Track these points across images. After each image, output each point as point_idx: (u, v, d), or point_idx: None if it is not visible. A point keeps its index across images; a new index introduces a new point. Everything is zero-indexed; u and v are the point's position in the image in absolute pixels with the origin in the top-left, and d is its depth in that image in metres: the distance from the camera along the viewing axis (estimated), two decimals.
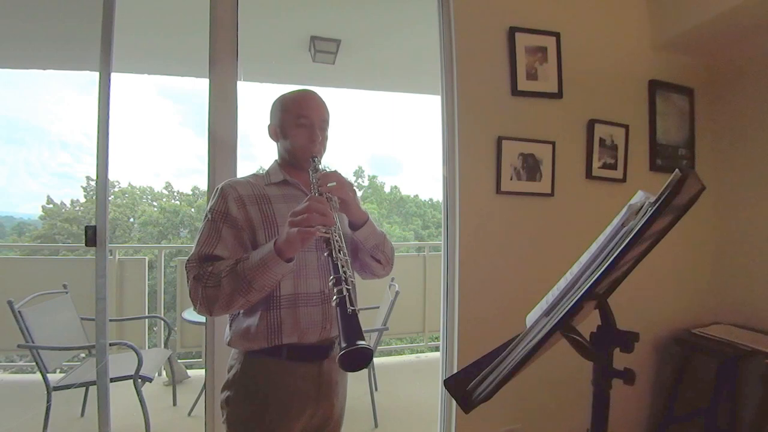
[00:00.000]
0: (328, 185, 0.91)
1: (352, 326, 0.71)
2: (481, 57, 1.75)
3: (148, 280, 3.31)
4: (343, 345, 0.68)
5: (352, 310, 0.73)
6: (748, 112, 2.01)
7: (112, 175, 1.56)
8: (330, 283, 0.78)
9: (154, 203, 13.39)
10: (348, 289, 0.76)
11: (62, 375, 2.14)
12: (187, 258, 0.94)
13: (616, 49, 1.95)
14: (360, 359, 0.70)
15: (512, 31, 1.77)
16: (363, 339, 0.70)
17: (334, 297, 0.75)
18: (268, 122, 1.07)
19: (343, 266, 0.79)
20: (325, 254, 0.82)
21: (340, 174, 0.95)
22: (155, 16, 2.30)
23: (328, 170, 0.96)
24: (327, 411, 1.00)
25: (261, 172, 1.08)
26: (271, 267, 0.84)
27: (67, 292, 2.42)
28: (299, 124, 1.00)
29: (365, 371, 2.39)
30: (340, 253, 0.81)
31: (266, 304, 0.92)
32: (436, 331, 3.18)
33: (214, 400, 1.51)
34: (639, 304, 1.75)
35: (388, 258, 1.08)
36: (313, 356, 0.96)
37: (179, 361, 2.95)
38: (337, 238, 0.83)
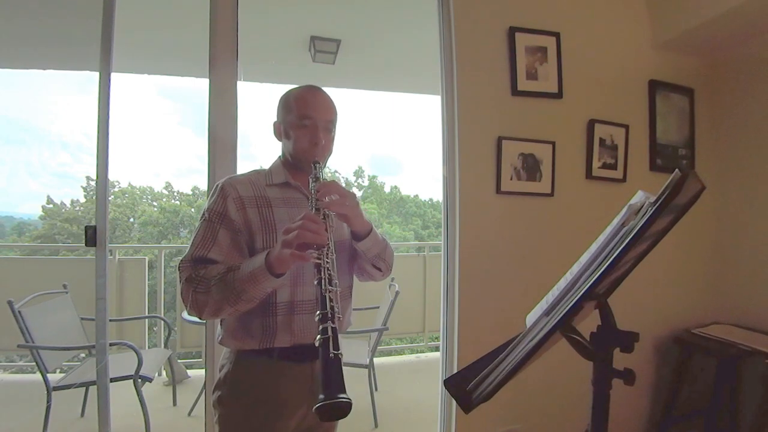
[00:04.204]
0: (327, 200, 0.87)
1: (332, 374, 0.68)
2: (481, 57, 1.75)
3: (148, 280, 3.31)
4: (321, 397, 0.65)
5: (335, 354, 0.69)
6: (748, 112, 2.00)
7: (112, 175, 1.56)
8: (316, 318, 0.74)
9: (154, 203, 13.39)
10: (333, 329, 0.72)
11: (62, 375, 2.14)
12: (181, 258, 0.92)
13: (616, 49, 1.95)
14: (338, 411, 0.66)
15: (512, 31, 1.77)
16: (344, 390, 0.66)
17: (318, 336, 0.72)
18: (275, 119, 1.03)
19: (331, 300, 0.76)
20: (315, 282, 0.79)
21: (341, 186, 0.91)
22: (155, 16, 2.30)
23: (329, 180, 0.93)
24: None
25: (262, 169, 1.05)
26: (261, 281, 0.82)
27: (67, 292, 2.42)
28: (302, 125, 0.95)
29: (365, 371, 2.39)
30: (330, 284, 0.78)
31: (262, 309, 0.91)
32: (436, 331, 3.18)
33: None
34: (639, 304, 1.75)
35: (388, 265, 1.06)
36: (305, 357, 0.95)
37: (179, 361, 2.95)
38: (329, 264, 0.80)
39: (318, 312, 0.75)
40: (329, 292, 0.77)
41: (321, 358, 0.70)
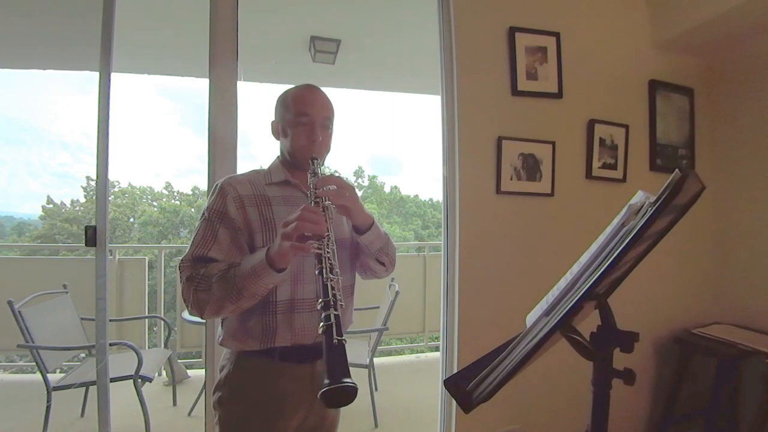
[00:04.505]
0: (327, 188, 0.87)
1: (337, 359, 0.68)
2: (481, 57, 1.75)
3: (148, 280, 3.31)
4: (327, 381, 0.65)
5: (339, 340, 0.70)
6: (748, 112, 2.00)
7: (112, 175, 1.56)
8: (318, 306, 0.75)
9: (154, 203, 13.39)
10: (336, 315, 0.72)
11: (62, 375, 2.14)
12: (181, 257, 0.92)
13: (616, 49, 1.95)
14: (344, 396, 0.66)
15: (512, 31, 1.77)
16: (348, 375, 0.67)
17: (321, 324, 0.72)
18: (272, 119, 1.04)
19: (333, 288, 0.76)
20: (316, 272, 0.79)
21: (339, 178, 0.92)
22: (155, 16, 2.30)
23: (327, 174, 0.93)
24: (321, 412, 0.99)
25: (261, 168, 1.05)
26: (262, 277, 0.82)
27: (67, 292, 2.42)
28: (299, 122, 0.96)
29: (365, 371, 2.39)
30: (331, 272, 0.78)
31: (262, 308, 0.91)
32: (436, 331, 3.18)
33: None
34: (639, 304, 1.75)
35: (391, 260, 1.06)
36: (306, 357, 0.95)
37: (179, 361, 2.95)
38: (329, 254, 0.80)
39: (320, 300, 0.75)
40: (330, 280, 0.77)
41: (325, 345, 0.70)
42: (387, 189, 16.30)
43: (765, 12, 1.66)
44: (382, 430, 2.32)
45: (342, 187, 0.89)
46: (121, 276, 3.17)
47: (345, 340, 0.71)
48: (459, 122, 1.71)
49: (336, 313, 0.73)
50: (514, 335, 0.68)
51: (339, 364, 0.67)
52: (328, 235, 0.82)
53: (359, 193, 0.97)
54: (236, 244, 0.92)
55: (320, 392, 0.65)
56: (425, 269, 3.78)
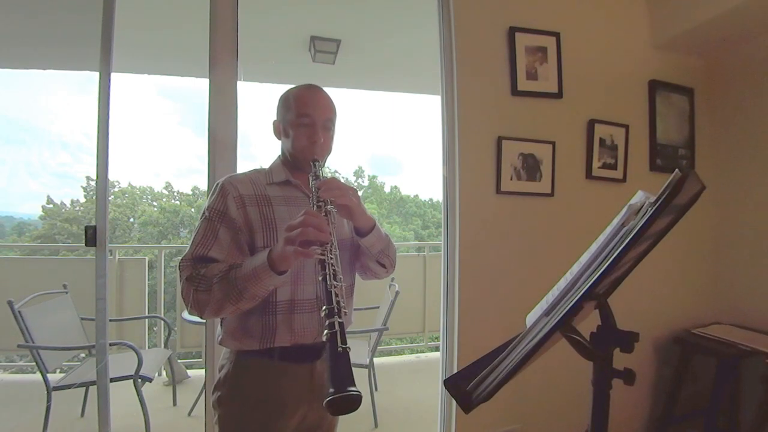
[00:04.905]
0: (330, 192, 0.87)
1: (341, 368, 0.68)
2: (481, 57, 1.75)
3: (148, 280, 3.31)
4: (331, 390, 0.65)
5: (343, 348, 0.69)
6: (748, 112, 2.00)
7: (112, 175, 1.56)
8: (322, 314, 0.74)
9: (154, 203, 13.39)
10: (340, 323, 0.72)
11: (62, 375, 2.14)
12: (181, 256, 0.92)
13: (616, 49, 1.95)
14: (349, 404, 0.65)
15: (512, 31, 1.77)
16: (353, 383, 0.66)
17: (325, 331, 0.72)
18: (274, 118, 1.03)
19: (337, 295, 0.76)
20: (320, 278, 0.78)
21: (341, 181, 0.91)
22: (155, 16, 2.30)
23: (328, 177, 0.93)
24: (321, 411, 0.99)
25: (262, 168, 1.04)
26: (263, 279, 0.82)
27: (67, 292, 2.42)
28: (300, 123, 0.96)
29: (365, 371, 2.39)
30: (335, 279, 0.77)
31: (262, 308, 0.91)
32: (436, 331, 3.18)
33: None
34: (639, 304, 1.75)
35: (392, 261, 1.05)
36: (306, 357, 0.95)
37: (179, 361, 2.95)
38: (333, 260, 0.80)
39: (324, 307, 0.74)
40: (334, 287, 0.77)
41: (329, 353, 0.70)
42: (387, 189, 16.31)
43: (765, 12, 1.66)
44: (382, 430, 2.32)
45: (345, 189, 0.89)
46: (121, 276, 3.17)
47: (349, 348, 0.70)
48: (459, 122, 1.71)
49: (340, 320, 0.73)
50: (514, 335, 0.68)
51: (344, 373, 0.67)
52: (332, 240, 0.81)
53: (359, 194, 0.96)
54: (237, 243, 0.92)
55: (326, 401, 0.64)
56: (425, 269, 3.77)
